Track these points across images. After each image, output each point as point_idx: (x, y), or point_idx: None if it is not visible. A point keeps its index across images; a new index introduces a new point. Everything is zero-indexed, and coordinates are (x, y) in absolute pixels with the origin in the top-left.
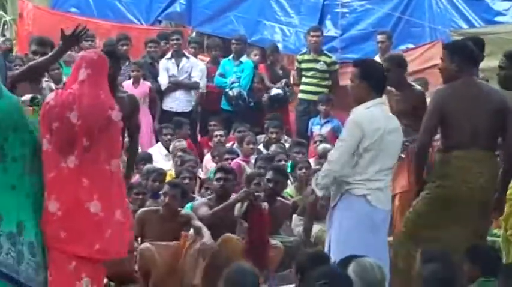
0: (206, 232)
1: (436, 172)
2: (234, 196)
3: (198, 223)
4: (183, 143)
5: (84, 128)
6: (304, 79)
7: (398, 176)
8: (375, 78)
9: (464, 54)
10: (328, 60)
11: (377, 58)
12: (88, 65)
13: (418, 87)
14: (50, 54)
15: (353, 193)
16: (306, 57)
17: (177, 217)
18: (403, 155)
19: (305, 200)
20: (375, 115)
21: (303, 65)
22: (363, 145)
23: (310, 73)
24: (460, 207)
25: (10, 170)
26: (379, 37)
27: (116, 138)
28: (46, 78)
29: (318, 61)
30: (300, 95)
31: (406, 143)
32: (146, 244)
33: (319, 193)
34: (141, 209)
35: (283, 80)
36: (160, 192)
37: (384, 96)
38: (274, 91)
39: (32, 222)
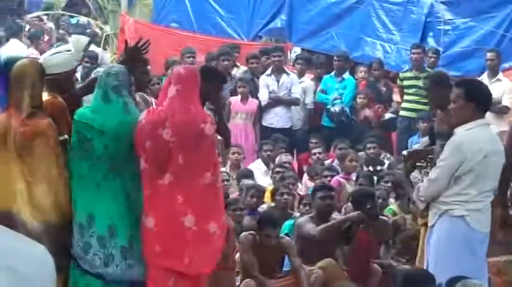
0: (304, 271)
1: None
2: (342, 216)
3: (298, 260)
4: (289, 157)
5: (178, 144)
6: (406, 96)
7: None
8: (481, 99)
9: None
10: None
11: (484, 76)
12: (176, 81)
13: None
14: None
15: (452, 214)
16: (408, 74)
17: (275, 244)
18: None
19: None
20: (478, 136)
21: (405, 83)
22: (465, 167)
23: (412, 90)
24: None
25: (96, 167)
26: (489, 55)
27: (209, 152)
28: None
29: (419, 78)
30: (402, 113)
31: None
32: (250, 282)
33: (421, 206)
34: (242, 234)
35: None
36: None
37: (490, 116)
38: (388, 115)
39: (124, 225)
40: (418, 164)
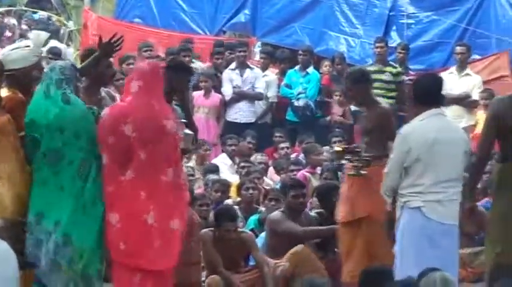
0: (268, 266)
1: (495, 184)
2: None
3: (260, 255)
4: (264, 157)
5: (139, 140)
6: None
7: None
8: (420, 92)
9: None
10: (394, 70)
11: (453, 69)
12: (139, 76)
13: (385, 104)
14: (85, 62)
15: (409, 206)
16: (371, 68)
17: (236, 239)
18: (363, 172)
19: None
20: (426, 126)
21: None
22: (412, 157)
23: (376, 84)
24: None
25: (63, 172)
26: (458, 49)
27: (171, 148)
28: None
29: (383, 72)
30: None
31: (367, 159)
32: (215, 277)
33: (388, 200)
34: (202, 231)
35: None
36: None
37: (459, 109)
38: (352, 108)
39: (65, 221)
40: (346, 157)
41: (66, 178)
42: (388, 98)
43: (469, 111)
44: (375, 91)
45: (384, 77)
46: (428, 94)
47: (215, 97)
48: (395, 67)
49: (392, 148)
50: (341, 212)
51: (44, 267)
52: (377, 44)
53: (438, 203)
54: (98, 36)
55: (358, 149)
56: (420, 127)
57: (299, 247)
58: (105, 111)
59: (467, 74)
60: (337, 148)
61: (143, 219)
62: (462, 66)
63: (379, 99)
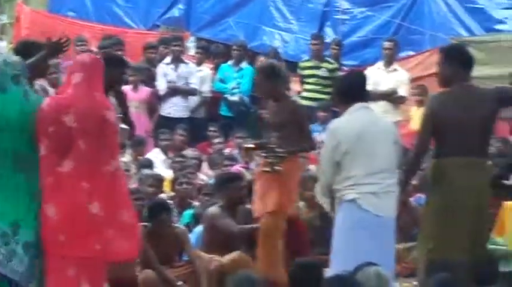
0: (203, 260)
1: (430, 179)
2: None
3: (193, 251)
4: (196, 153)
5: (80, 131)
6: (306, 86)
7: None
8: (344, 89)
9: (462, 59)
10: (330, 66)
11: (380, 64)
12: (81, 68)
13: (295, 99)
14: (31, 59)
15: (345, 199)
16: (307, 64)
17: (170, 233)
18: (278, 168)
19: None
20: (353, 119)
21: (305, 72)
22: (341, 150)
23: (311, 80)
24: (457, 214)
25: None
26: (386, 44)
27: (113, 139)
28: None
29: (319, 68)
30: (302, 102)
31: (282, 155)
32: (148, 272)
33: (325, 201)
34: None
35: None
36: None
37: (386, 105)
38: None
39: (29, 222)
40: (262, 153)
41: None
42: (324, 93)
43: (395, 107)
44: (311, 87)
45: (319, 72)
46: (352, 91)
47: (143, 91)
48: (331, 63)
49: (324, 142)
50: (256, 207)
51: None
52: (313, 41)
53: (373, 195)
54: (30, 30)
55: (272, 145)
56: (347, 121)
57: (237, 254)
58: (46, 102)
59: (395, 70)
60: (247, 145)
61: (86, 209)
62: (389, 61)
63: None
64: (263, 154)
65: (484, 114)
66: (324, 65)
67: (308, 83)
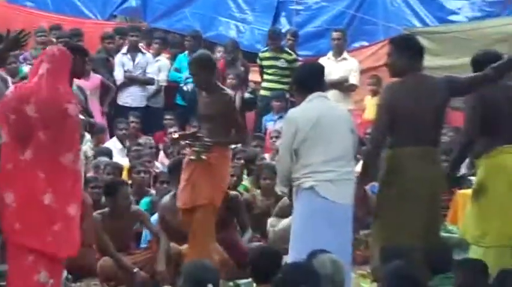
0: (163, 238)
1: (385, 168)
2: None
3: (154, 227)
4: (150, 139)
5: (40, 121)
6: (265, 76)
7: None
8: (303, 79)
9: (414, 49)
10: (289, 57)
11: (330, 55)
12: (48, 59)
13: (229, 91)
14: None
15: (303, 187)
16: (267, 54)
17: (127, 215)
18: (203, 157)
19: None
20: (310, 107)
21: (264, 63)
22: (299, 137)
23: (271, 70)
24: (411, 203)
25: None
26: (335, 34)
27: (72, 132)
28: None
29: (278, 58)
30: (262, 92)
31: (207, 144)
32: (106, 259)
33: (284, 190)
34: (94, 213)
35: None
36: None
37: (337, 93)
38: (247, 95)
39: None
40: (187, 142)
41: None
42: (283, 83)
43: (346, 95)
44: (270, 77)
45: (278, 63)
46: (310, 81)
47: (95, 79)
48: (290, 54)
49: (282, 131)
50: (181, 198)
51: None
52: (272, 35)
53: (331, 183)
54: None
55: (199, 135)
56: (305, 109)
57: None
58: (10, 90)
59: (344, 59)
60: (173, 135)
61: (40, 199)
62: (339, 51)
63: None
64: (188, 143)
65: (436, 103)
66: (284, 56)
67: (267, 74)
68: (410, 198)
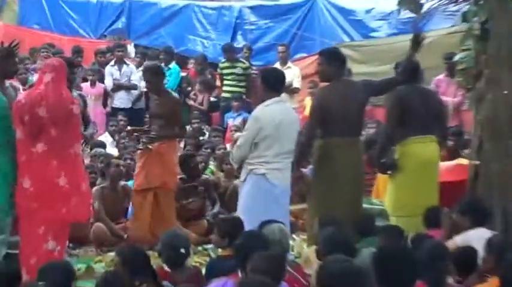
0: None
1: (318, 155)
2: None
3: None
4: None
5: (51, 120)
6: (225, 81)
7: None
8: (271, 83)
9: (339, 59)
10: (243, 65)
11: (277, 65)
12: (51, 70)
13: (175, 95)
14: None
15: (256, 172)
16: (226, 64)
17: (120, 189)
18: (150, 147)
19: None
20: (272, 110)
21: (224, 71)
22: (261, 134)
23: (230, 77)
24: (340, 182)
25: None
26: (280, 48)
27: (76, 127)
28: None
29: (235, 67)
30: (223, 94)
31: (152, 137)
32: (99, 224)
33: (235, 166)
34: (94, 188)
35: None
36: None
37: (284, 95)
38: (212, 99)
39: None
40: (135, 134)
41: None
42: (241, 87)
43: (291, 96)
44: (229, 82)
45: (235, 70)
46: (277, 83)
47: (99, 87)
48: (244, 63)
49: (246, 126)
50: (136, 181)
51: None
52: (224, 49)
53: (278, 171)
54: (3, 40)
55: (147, 129)
56: (268, 111)
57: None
58: (23, 96)
59: (289, 67)
60: (128, 129)
61: (55, 182)
62: (284, 61)
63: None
64: (137, 135)
65: (358, 102)
66: (239, 65)
67: (227, 80)
68: (339, 179)
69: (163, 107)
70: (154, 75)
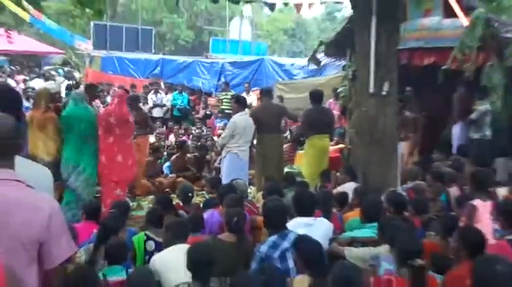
0: None
1: (257, 143)
2: None
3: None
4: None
5: (117, 125)
6: (222, 104)
7: None
8: (241, 103)
9: (268, 91)
10: (231, 94)
11: (244, 94)
12: (117, 96)
13: (144, 109)
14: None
15: (231, 152)
16: (222, 93)
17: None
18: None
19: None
20: (241, 118)
21: (222, 97)
22: (236, 131)
23: (225, 101)
24: (269, 157)
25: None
26: (245, 85)
27: (131, 129)
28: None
29: (227, 94)
30: (222, 107)
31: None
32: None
33: (219, 148)
34: None
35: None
36: None
37: (247, 109)
38: (207, 112)
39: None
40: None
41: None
42: (229, 106)
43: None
44: (225, 105)
45: (228, 97)
46: (244, 103)
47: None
48: (231, 92)
49: (228, 126)
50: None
51: (73, 180)
52: (221, 85)
53: (243, 151)
54: (91, 79)
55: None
56: (239, 118)
57: None
58: (103, 111)
59: (250, 95)
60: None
61: (117, 159)
62: (247, 91)
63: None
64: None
65: (278, 114)
66: (230, 93)
67: (224, 103)
68: (268, 155)
69: (138, 117)
70: (133, 101)
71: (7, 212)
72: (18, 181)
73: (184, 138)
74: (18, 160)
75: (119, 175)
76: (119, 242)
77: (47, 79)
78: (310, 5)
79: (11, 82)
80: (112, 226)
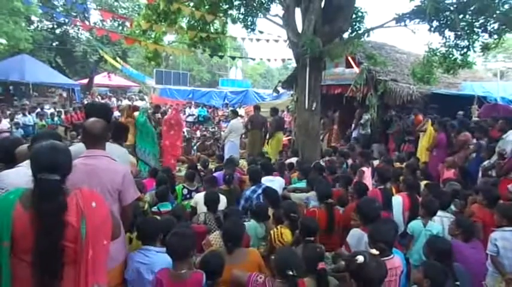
0: None
1: (249, 136)
2: None
3: None
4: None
5: (175, 123)
6: (225, 115)
7: None
8: (235, 114)
9: (258, 107)
10: (230, 109)
11: (237, 108)
12: (174, 109)
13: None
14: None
15: (230, 141)
16: (230, 108)
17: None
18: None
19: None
20: (235, 122)
21: (225, 111)
22: (232, 129)
23: (227, 112)
24: (255, 144)
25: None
26: (238, 104)
27: (181, 126)
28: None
29: (228, 109)
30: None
31: None
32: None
33: (223, 138)
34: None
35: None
36: None
37: (239, 117)
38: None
39: (150, 149)
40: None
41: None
42: (229, 117)
43: (242, 117)
44: (228, 114)
45: (228, 110)
46: (237, 114)
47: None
48: (231, 108)
49: (228, 126)
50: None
51: (143, 157)
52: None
53: (237, 139)
54: (154, 102)
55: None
56: (235, 122)
57: None
58: (166, 117)
59: (240, 109)
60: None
61: (176, 143)
62: (239, 107)
63: None
64: None
65: (262, 121)
66: (230, 108)
67: (226, 113)
68: (255, 142)
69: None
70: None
71: (100, 175)
72: (107, 156)
73: (205, 133)
74: (110, 145)
75: (175, 151)
76: (166, 190)
77: (129, 100)
78: (275, 60)
79: (109, 102)
80: (163, 180)
